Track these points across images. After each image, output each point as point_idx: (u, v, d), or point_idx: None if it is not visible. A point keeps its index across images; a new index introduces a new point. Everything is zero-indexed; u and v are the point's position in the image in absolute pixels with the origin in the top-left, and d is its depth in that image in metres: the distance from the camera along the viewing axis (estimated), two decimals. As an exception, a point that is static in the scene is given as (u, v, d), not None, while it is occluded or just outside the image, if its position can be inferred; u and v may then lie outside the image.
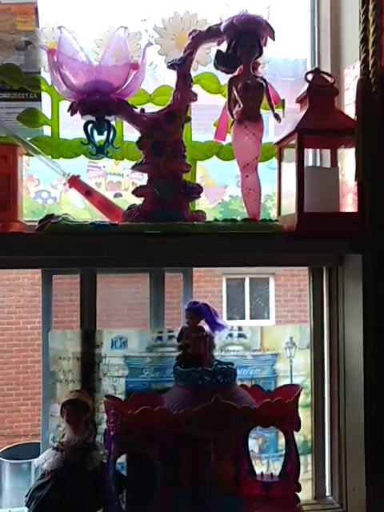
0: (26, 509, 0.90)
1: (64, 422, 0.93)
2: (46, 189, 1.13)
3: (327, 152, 1.02)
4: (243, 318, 5.51)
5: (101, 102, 0.86)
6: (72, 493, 0.89)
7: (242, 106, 0.89)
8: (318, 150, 1.08)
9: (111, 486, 0.89)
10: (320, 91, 0.90)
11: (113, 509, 0.89)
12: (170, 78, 0.95)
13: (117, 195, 1.10)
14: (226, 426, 0.88)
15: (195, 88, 0.99)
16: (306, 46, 1.11)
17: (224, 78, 0.96)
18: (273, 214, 1.04)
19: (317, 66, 1.07)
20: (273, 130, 1.06)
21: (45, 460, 0.91)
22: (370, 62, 0.87)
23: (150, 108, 0.96)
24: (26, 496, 0.91)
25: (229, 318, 5.33)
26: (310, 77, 0.92)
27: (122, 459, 1.00)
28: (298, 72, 0.94)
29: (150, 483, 0.90)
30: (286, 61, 1.27)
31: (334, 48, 1.04)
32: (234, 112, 0.90)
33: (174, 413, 0.87)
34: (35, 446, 1.03)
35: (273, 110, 0.90)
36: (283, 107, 1.01)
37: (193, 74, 0.99)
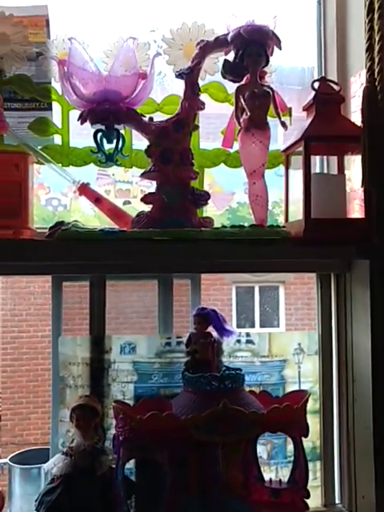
0: (35, 513, 0.91)
1: (73, 427, 0.94)
2: (57, 196, 1.15)
3: (334, 159, 1.03)
4: (253, 326, 5.49)
5: (110, 111, 0.88)
6: (81, 497, 0.90)
7: (249, 114, 0.90)
8: (325, 157, 1.08)
9: (120, 491, 0.89)
10: (326, 99, 0.91)
11: (121, 513, 0.89)
12: (178, 87, 0.97)
13: (126, 203, 1.11)
14: (234, 431, 0.88)
15: (203, 97, 1.01)
16: (313, 54, 1.12)
17: (232, 87, 0.98)
18: (280, 220, 1.05)
19: (323, 74, 1.08)
20: (281, 137, 1.07)
21: (54, 465, 0.92)
22: (376, 70, 0.88)
23: (159, 117, 0.98)
24: (36, 500, 0.92)
25: (238, 326, 5.31)
26: (316, 85, 0.93)
27: (131, 464, 1.00)
28: (305, 80, 0.96)
29: (158, 489, 0.91)
30: (293, 69, 1.28)
31: (341, 56, 1.05)
32: (241, 120, 0.92)
33: (183, 418, 0.87)
34: (45, 451, 1.04)
35: (279, 118, 0.91)
36: (290, 115, 1.02)
37: (201, 83, 1.01)
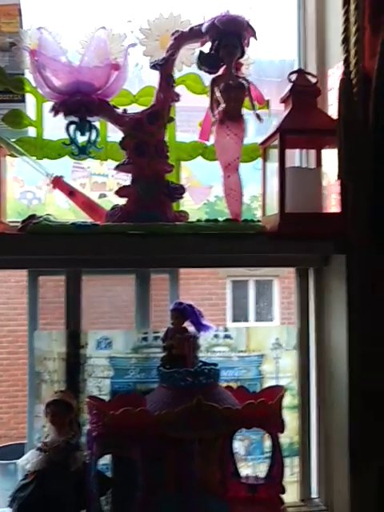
0: (8, 509, 0.90)
1: (48, 422, 0.93)
2: (31, 190, 1.13)
3: (313, 153, 1.02)
4: (247, 320, 5.49)
5: (82, 102, 0.86)
6: (54, 493, 0.89)
7: (223, 106, 0.89)
8: (304, 150, 1.07)
9: (93, 487, 0.89)
10: (303, 91, 0.90)
11: (94, 510, 0.89)
12: (156, 79, 0.95)
13: (102, 196, 1.10)
14: (208, 427, 0.87)
15: (180, 89, 1.00)
16: (294, 46, 1.10)
17: (209, 79, 0.96)
18: (259, 214, 1.04)
19: (303, 66, 1.07)
20: (253, 131, 1.06)
21: (28, 461, 0.91)
22: (352, 62, 0.87)
23: (135, 109, 0.97)
24: (9, 497, 0.91)
25: (234, 321, 5.31)
26: (293, 77, 0.92)
27: (108, 461, 1.00)
28: (285, 73, 0.94)
29: (134, 485, 0.90)
30: (271, 62, 1.27)
31: (320, 49, 1.04)
32: (216, 112, 0.90)
33: (156, 414, 0.86)
34: (21, 446, 1.03)
35: (254, 110, 0.90)
36: (268, 107, 1.01)
37: (178, 74, 1.00)
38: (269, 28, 0.97)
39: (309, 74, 0.93)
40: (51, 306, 1.12)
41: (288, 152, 0.91)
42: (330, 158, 0.98)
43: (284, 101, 0.94)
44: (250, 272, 5.29)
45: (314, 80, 0.92)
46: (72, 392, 0.98)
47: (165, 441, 0.87)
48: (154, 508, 0.88)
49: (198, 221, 0.90)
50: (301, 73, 0.92)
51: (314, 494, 1.07)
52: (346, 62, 0.86)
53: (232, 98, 0.89)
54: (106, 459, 1.00)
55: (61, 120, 0.91)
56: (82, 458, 0.92)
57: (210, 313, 5.01)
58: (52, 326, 1.10)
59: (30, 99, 0.97)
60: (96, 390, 1.01)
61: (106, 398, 0.99)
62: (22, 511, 0.88)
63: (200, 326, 0.97)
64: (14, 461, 1.02)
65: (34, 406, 1.01)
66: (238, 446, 1.05)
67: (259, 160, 1.01)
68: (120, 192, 0.91)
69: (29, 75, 0.96)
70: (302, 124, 0.88)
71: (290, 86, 0.91)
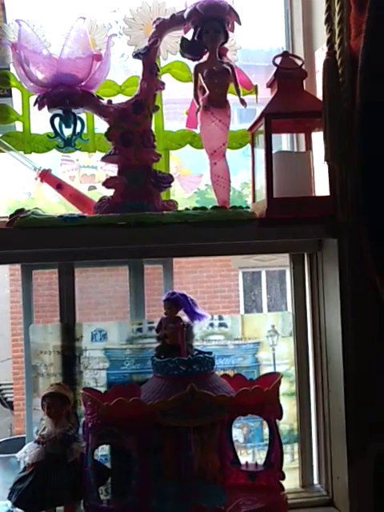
0: (8, 502, 0.92)
1: (45, 415, 0.94)
2: (21, 185, 1.14)
3: (303, 137, 1.00)
4: (261, 311, 5.48)
5: (65, 94, 0.86)
6: (53, 485, 0.89)
7: (208, 92, 0.88)
8: (294, 135, 1.06)
9: (90, 478, 0.89)
10: (288, 74, 0.89)
11: (92, 500, 0.89)
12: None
13: (91, 188, 1.10)
14: (202, 415, 0.87)
15: (166, 77, 0.99)
16: (281, 35, 1.09)
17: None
18: (250, 201, 1.03)
19: (290, 50, 1.05)
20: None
21: (26, 453, 0.92)
22: (337, 42, 0.85)
23: (121, 99, 0.96)
24: (9, 489, 0.92)
25: (247, 312, 5.31)
26: (278, 60, 0.91)
27: (107, 451, 1.00)
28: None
29: (132, 474, 0.90)
30: (259, 51, 1.25)
31: (306, 30, 1.02)
32: (200, 99, 0.89)
33: (149, 403, 0.87)
34: (24, 440, 1.04)
35: (239, 95, 0.89)
36: (256, 93, 1.00)
37: (163, 63, 0.99)
38: (257, 16, 0.96)
39: (294, 56, 0.92)
40: (45, 300, 1.13)
41: (279, 137, 0.90)
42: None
43: (270, 85, 0.93)
44: (261, 263, 5.27)
45: (299, 62, 0.91)
46: (68, 384, 0.98)
47: (160, 430, 0.88)
48: (152, 496, 0.88)
49: (186, 209, 0.90)
50: (286, 55, 0.91)
51: (315, 481, 1.07)
52: (330, 41, 0.84)
53: (216, 84, 0.88)
54: (105, 450, 1.01)
55: (48, 114, 0.91)
56: (79, 449, 0.92)
57: (223, 305, 5.01)
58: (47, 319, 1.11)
59: (16, 94, 0.97)
60: (92, 381, 1.01)
61: (103, 389, 0.99)
62: (20, 503, 0.89)
63: (194, 315, 0.97)
64: (13, 454, 1.03)
65: (32, 399, 1.02)
66: (237, 433, 1.05)
67: (249, 146, 1.00)
68: (107, 183, 0.91)
69: (14, 70, 0.96)
70: (288, 107, 0.87)
71: (274, 69, 0.90)
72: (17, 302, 5.22)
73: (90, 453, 0.89)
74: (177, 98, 1.05)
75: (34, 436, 1.00)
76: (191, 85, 1.00)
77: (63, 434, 0.92)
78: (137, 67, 1.02)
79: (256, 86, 1.00)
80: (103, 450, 1.00)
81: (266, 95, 1.00)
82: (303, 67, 0.91)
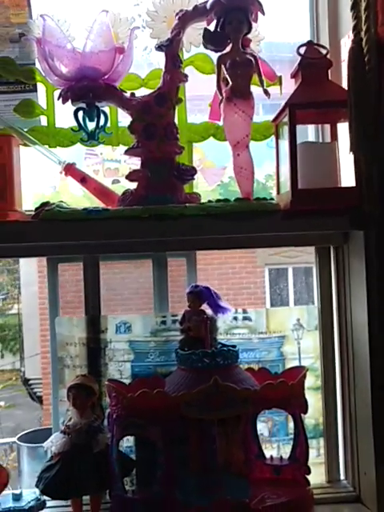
0: (36, 489, 0.93)
1: (70, 406, 0.95)
2: (46, 178, 1.15)
3: (328, 128, 0.99)
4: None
5: (88, 87, 0.87)
6: (78, 474, 0.90)
7: (231, 83, 0.87)
8: (320, 126, 1.04)
9: (115, 468, 0.90)
10: (312, 64, 0.88)
11: (117, 490, 0.90)
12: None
13: (115, 181, 1.11)
14: (226, 407, 0.87)
15: (189, 70, 0.99)
16: (306, 26, 1.07)
17: (217, 58, 0.95)
18: (274, 193, 1.02)
19: (315, 39, 1.03)
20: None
21: (52, 443, 0.94)
22: (363, 29, 0.83)
23: (144, 92, 0.96)
24: (36, 477, 0.94)
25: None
26: (302, 50, 0.89)
27: (132, 443, 1.01)
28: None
29: (156, 466, 0.91)
30: (285, 44, 1.23)
31: (332, 18, 1.00)
32: (223, 90, 0.89)
33: (173, 395, 0.87)
34: (51, 431, 1.06)
35: (262, 86, 0.88)
36: (280, 84, 0.99)
37: (186, 55, 0.98)
38: (283, 7, 0.95)
39: (319, 45, 0.90)
40: (71, 296, 1.14)
41: (304, 128, 0.89)
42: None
43: (294, 75, 0.92)
44: (288, 260, 5.22)
45: (324, 51, 0.89)
46: (93, 376, 0.99)
47: (185, 422, 0.88)
48: (177, 487, 0.88)
49: (209, 202, 0.89)
50: (310, 45, 0.90)
51: (342, 476, 1.05)
52: (356, 29, 0.83)
53: (239, 74, 0.87)
54: (130, 442, 1.01)
55: (72, 107, 0.92)
56: (104, 440, 0.93)
57: (249, 301, 4.98)
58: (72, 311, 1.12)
59: (40, 89, 0.98)
60: (117, 373, 1.02)
61: (128, 381, 1.00)
62: (47, 490, 0.90)
63: (217, 308, 0.97)
64: (41, 444, 1.05)
65: (58, 390, 1.03)
66: (262, 427, 1.04)
67: (273, 138, 0.99)
68: (130, 176, 0.91)
69: (39, 65, 0.97)
70: (313, 97, 0.86)
71: (299, 59, 0.89)
72: (45, 298, 5.31)
73: (114, 444, 0.90)
74: (199, 95, 1.05)
75: (60, 427, 1.02)
76: (213, 78, 1.01)
77: (88, 424, 0.93)
78: (160, 60, 1.02)
79: (280, 77, 0.99)
80: (128, 442, 1.01)
81: (289, 89, 0.98)
82: (328, 56, 0.90)
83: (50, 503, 0.95)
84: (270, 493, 0.94)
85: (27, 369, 6.25)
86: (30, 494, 0.93)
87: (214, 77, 0.96)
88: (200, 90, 1.04)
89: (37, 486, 0.92)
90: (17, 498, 0.91)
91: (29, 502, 0.90)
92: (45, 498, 0.93)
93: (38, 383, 5.86)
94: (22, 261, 5.61)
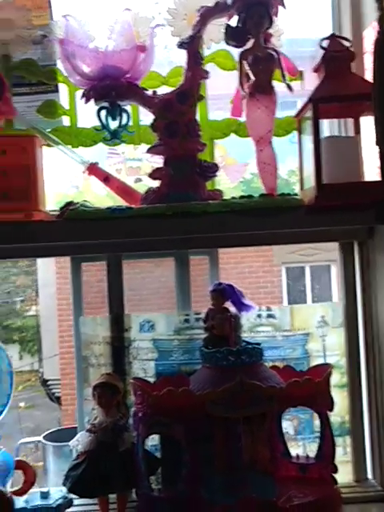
0: (63, 488, 0.94)
1: (96, 404, 0.95)
2: (69, 178, 1.15)
3: (351, 123, 0.98)
4: (305, 307, 5.37)
5: (111, 86, 0.87)
6: (105, 472, 0.91)
7: (253, 78, 0.87)
8: (342, 121, 1.03)
9: (141, 467, 0.90)
10: (335, 57, 0.87)
11: (143, 489, 0.90)
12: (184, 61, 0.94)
13: (137, 180, 1.11)
14: (251, 405, 0.87)
15: (210, 66, 0.98)
16: (328, 22, 1.06)
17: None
18: (297, 190, 1.01)
19: (337, 31, 1.02)
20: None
21: (78, 442, 0.94)
22: (388, 20, 0.82)
23: (166, 90, 0.96)
24: (63, 475, 0.94)
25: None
26: (325, 43, 0.88)
27: (157, 441, 1.01)
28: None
29: (182, 464, 0.91)
30: (305, 41, 1.21)
31: (354, 8, 0.99)
32: (245, 86, 0.88)
33: (198, 393, 0.87)
34: (76, 430, 1.06)
35: (284, 81, 0.88)
36: (302, 79, 0.98)
37: (206, 52, 0.98)
38: (302, 3, 0.94)
39: (341, 38, 0.89)
40: (92, 297, 1.14)
41: (326, 122, 0.88)
42: (369, 126, 0.94)
43: (316, 70, 0.91)
44: (305, 258, 5.18)
45: (347, 44, 0.88)
46: (118, 375, 0.99)
47: (210, 420, 0.87)
48: (202, 486, 0.88)
49: (233, 198, 0.89)
50: (333, 38, 0.89)
51: (369, 475, 1.04)
52: (381, 19, 0.81)
53: (261, 70, 0.87)
54: (155, 440, 1.01)
55: (94, 107, 0.92)
56: (130, 438, 0.93)
57: (267, 301, 4.96)
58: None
59: (63, 89, 0.99)
60: (141, 372, 1.02)
61: (152, 379, 1.00)
62: (75, 489, 0.91)
63: (241, 306, 0.96)
64: (67, 443, 1.05)
65: (83, 389, 1.04)
66: (287, 425, 1.03)
67: (295, 133, 0.98)
68: (153, 174, 0.91)
69: (61, 65, 0.98)
70: (336, 91, 0.85)
71: (321, 52, 0.88)
72: (63, 299, 5.35)
73: (140, 442, 0.90)
74: (216, 94, 1.04)
75: (85, 425, 1.02)
76: (229, 76, 1.00)
77: (114, 423, 0.93)
78: (180, 58, 1.02)
79: (301, 72, 0.98)
80: (153, 441, 1.01)
81: (308, 86, 0.97)
82: (351, 49, 0.89)
83: (76, 501, 0.95)
84: (297, 491, 0.93)
85: (45, 370, 6.30)
86: (57, 491, 0.94)
87: (230, 75, 0.96)
88: (217, 89, 1.04)
89: (64, 484, 0.92)
90: (45, 495, 0.91)
91: (56, 500, 0.91)
92: (72, 496, 0.93)
93: (56, 384, 5.90)
94: (39, 262, 5.66)
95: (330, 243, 1.05)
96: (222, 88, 1.03)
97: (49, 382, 6.31)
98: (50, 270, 5.52)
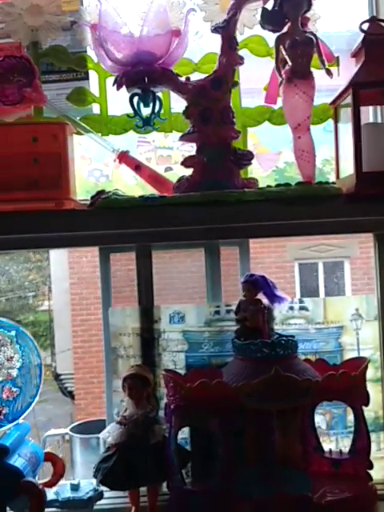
0: (93, 479, 0.93)
1: (126, 396, 0.94)
2: (98, 167, 1.14)
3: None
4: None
5: (144, 72, 0.85)
6: (136, 465, 0.90)
7: (290, 64, 0.85)
8: (379, 109, 1.01)
9: (173, 460, 0.89)
10: (376, 41, 0.84)
11: (176, 482, 0.89)
12: (216, 47, 0.92)
13: (167, 169, 1.09)
14: (286, 398, 0.85)
15: (243, 52, 0.96)
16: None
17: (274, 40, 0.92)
18: (332, 179, 0.98)
19: (375, 14, 0.99)
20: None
21: (109, 434, 0.93)
22: None
23: (198, 77, 0.94)
24: (94, 467, 0.93)
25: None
26: (365, 26, 0.86)
27: (186, 434, 1.00)
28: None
29: (213, 458, 0.89)
30: (339, 36, 1.18)
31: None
32: (282, 72, 0.86)
33: (233, 385, 0.85)
34: (103, 422, 1.06)
35: (324, 66, 0.85)
36: (338, 65, 0.95)
37: (240, 38, 0.96)
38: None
39: (381, 21, 0.87)
40: (123, 283, 1.13)
41: (362, 110, 0.85)
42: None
43: (355, 54, 0.88)
44: (318, 254, 5.14)
45: (387, 28, 0.86)
46: (148, 366, 0.98)
47: (243, 413, 0.86)
48: (235, 480, 0.87)
49: (268, 186, 0.87)
50: (373, 21, 0.86)
51: (403, 471, 1.02)
52: None
53: (299, 54, 0.84)
54: (184, 434, 1.00)
55: (124, 95, 0.91)
56: (161, 431, 0.92)
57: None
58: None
59: (93, 76, 0.97)
60: (171, 363, 1.01)
61: (182, 371, 0.99)
62: (106, 481, 0.90)
63: (274, 298, 0.94)
64: (94, 435, 1.04)
65: (112, 381, 1.03)
66: (320, 420, 1.01)
67: (329, 122, 0.96)
68: (186, 162, 0.89)
69: (90, 52, 0.96)
70: (378, 76, 0.82)
71: (361, 36, 0.85)
72: (77, 294, 5.36)
73: (173, 435, 0.89)
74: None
75: (113, 418, 1.01)
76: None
77: (145, 415, 0.92)
78: (211, 46, 0.99)
79: (338, 58, 0.95)
80: (182, 434, 0.99)
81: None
82: (392, 33, 0.86)
83: (107, 494, 0.94)
84: (331, 487, 0.91)
85: (58, 364, 6.33)
86: (88, 484, 0.93)
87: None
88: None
89: (95, 476, 0.91)
90: (75, 487, 0.90)
91: (87, 492, 0.90)
92: (102, 488, 0.92)
93: (68, 378, 5.93)
94: (52, 257, 5.68)
95: (344, 240, 1.02)
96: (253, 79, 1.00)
97: (61, 377, 6.34)
98: (63, 265, 5.54)
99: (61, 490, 0.91)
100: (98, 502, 0.93)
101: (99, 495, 0.92)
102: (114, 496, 0.96)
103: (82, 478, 0.99)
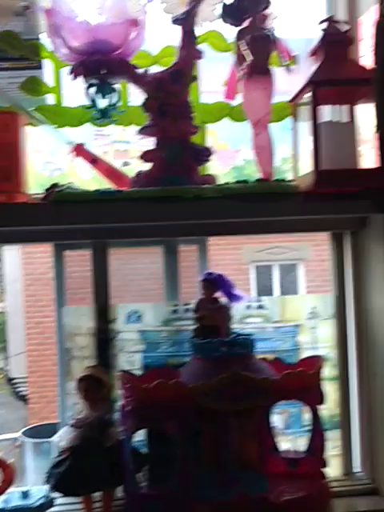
0: (44, 486, 0.89)
1: (80, 398, 0.91)
2: (52, 160, 1.10)
3: (345, 110, 0.96)
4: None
5: (102, 62, 0.82)
6: (90, 469, 0.86)
7: (250, 59, 0.84)
8: (335, 109, 1.01)
9: (129, 463, 0.86)
10: (334, 41, 0.84)
11: (131, 486, 0.86)
12: (177, 36, 0.90)
13: (125, 164, 1.06)
14: (244, 398, 0.84)
15: (202, 47, 0.95)
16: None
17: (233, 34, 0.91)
18: (290, 177, 0.98)
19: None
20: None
21: (61, 438, 0.89)
22: (389, 3, 0.80)
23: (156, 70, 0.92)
24: (46, 473, 0.89)
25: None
26: (324, 25, 0.86)
27: (142, 437, 0.97)
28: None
29: (170, 460, 0.87)
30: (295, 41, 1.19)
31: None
32: (242, 67, 0.85)
33: (191, 385, 0.83)
34: (56, 426, 1.01)
35: (282, 62, 0.85)
36: (296, 64, 0.95)
37: (199, 32, 0.94)
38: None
39: (339, 22, 0.87)
40: (78, 281, 1.10)
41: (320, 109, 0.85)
42: (365, 112, 0.92)
43: (314, 52, 0.88)
44: (273, 257, 5.21)
45: (346, 27, 0.86)
46: (103, 367, 0.95)
47: (200, 413, 0.84)
48: (193, 483, 0.85)
49: (227, 183, 0.86)
50: (331, 21, 0.86)
51: (357, 468, 1.03)
52: (383, 2, 0.79)
53: (259, 50, 0.84)
54: (140, 436, 0.97)
55: (79, 87, 0.88)
56: (115, 434, 0.89)
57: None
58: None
59: (47, 66, 0.93)
60: (127, 364, 0.98)
61: (139, 372, 0.96)
62: (59, 486, 0.86)
63: (232, 296, 0.93)
64: (46, 439, 1.00)
65: (65, 383, 0.99)
66: (277, 419, 1.01)
67: (288, 120, 0.96)
68: (144, 156, 0.87)
69: (45, 40, 0.92)
70: (335, 75, 0.83)
71: (320, 35, 0.85)
72: (31, 296, 5.22)
73: (128, 437, 0.86)
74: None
75: (67, 421, 0.97)
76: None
77: (100, 417, 0.89)
78: (170, 39, 0.98)
79: (296, 57, 0.95)
80: (138, 436, 0.97)
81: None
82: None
83: (59, 500, 0.90)
84: (288, 487, 0.91)
85: (11, 368, 6.16)
86: (39, 491, 0.88)
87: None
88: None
89: (47, 481, 0.87)
90: (25, 495, 0.86)
91: (38, 500, 0.86)
92: (55, 494, 0.88)
93: (21, 382, 5.77)
94: (5, 257, 5.52)
95: (298, 243, 1.03)
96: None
97: (14, 381, 6.17)
98: (16, 266, 5.39)
99: (10, 498, 0.87)
100: (50, 510, 0.89)
101: (50, 502, 0.88)
102: (67, 502, 0.92)
103: (33, 485, 0.94)
